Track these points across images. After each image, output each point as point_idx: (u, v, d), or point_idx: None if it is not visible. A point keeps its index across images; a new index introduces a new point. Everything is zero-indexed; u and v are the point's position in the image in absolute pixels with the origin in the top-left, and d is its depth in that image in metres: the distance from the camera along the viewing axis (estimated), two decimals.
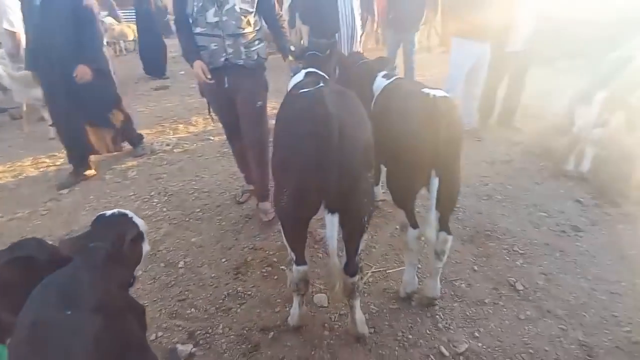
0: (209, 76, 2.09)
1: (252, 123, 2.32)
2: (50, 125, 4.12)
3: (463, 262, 2.13)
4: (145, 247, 1.26)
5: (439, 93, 1.45)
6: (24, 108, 4.34)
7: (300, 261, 1.38)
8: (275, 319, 1.79)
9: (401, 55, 5.19)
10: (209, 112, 2.45)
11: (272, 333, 1.71)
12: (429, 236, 1.57)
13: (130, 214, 1.23)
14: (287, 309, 1.79)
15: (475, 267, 2.09)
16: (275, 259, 2.19)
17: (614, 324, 1.72)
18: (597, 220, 2.47)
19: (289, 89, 1.73)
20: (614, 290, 1.91)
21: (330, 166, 1.11)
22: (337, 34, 4.05)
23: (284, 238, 1.41)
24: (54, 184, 3.17)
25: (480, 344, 1.64)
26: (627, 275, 2.00)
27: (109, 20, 10.35)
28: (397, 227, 2.39)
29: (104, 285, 0.96)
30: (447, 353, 1.60)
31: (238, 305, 1.89)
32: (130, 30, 9.95)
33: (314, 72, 1.74)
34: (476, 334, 1.69)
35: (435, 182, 1.46)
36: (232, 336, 1.71)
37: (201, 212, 2.73)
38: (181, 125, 4.49)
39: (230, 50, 2.08)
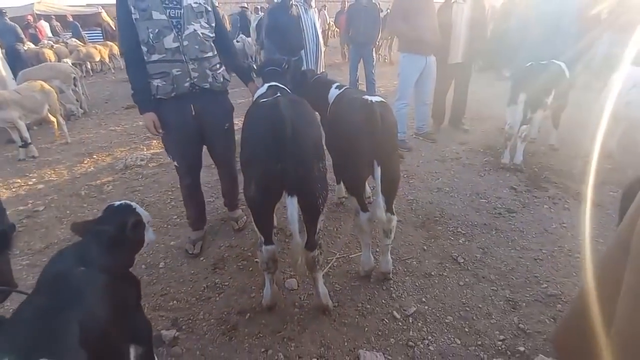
0: (160, 130, 2.10)
1: (222, 146, 2.40)
2: (20, 147, 4.16)
3: (415, 244, 2.44)
4: (150, 235, 1.45)
5: (376, 98, 1.79)
6: None
7: (268, 242, 1.63)
8: (251, 303, 2.01)
9: (362, 68, 5.66)
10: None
11: (248, 314, 1.93)
12: (379, 216, 1.84)
13: (134, 205, 1.42)
14: (262, 294, 2.02)
15: (425, 247, 2.41)
16: (249, 254, 2.41)
17: (534, 283, 2.08)
18: (527, 203, 2.89)
19: (253, 100, 2.01)
20: (536, 257, 2.29)
21: (287, 158, 1.38)
22: (302, 51, 4.44)
23: (253, 223, 1.66)
24: (28, 201, 3.23)
25: (426, 307, 1.94)
26: (548, 245, 2.39)
27: (74, 42, 10.31)
28: None
29: (108, 256, 1.17)
30: (398, 316, 1.88)
31: (217, 295, 2.09)
32: (96, 51, 9.93)
33: (275, 85, 2.03)
34: (423, 300, 1.99)
35: (378, 171, 1.77)
36: (212, 320, 1.91)
37: (178, 218, 2.90)
38: (154, 141, 4.62)
39: (195, 75, 2.06)
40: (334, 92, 2.22)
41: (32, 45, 8.62)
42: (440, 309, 1.93)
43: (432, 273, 2.18)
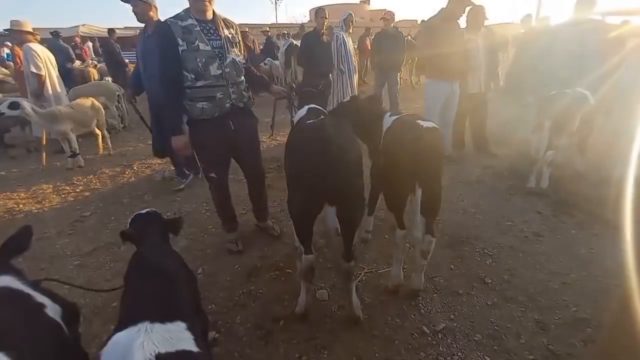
0: (190, 151, 2.38)
1: (254, 157, 2.66)
2: (69, 157, 4.52)
3: (442, 263, 2.51)
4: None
5: (428, 124, 1.93)
6: (43, 142, 4.73)
7: (308, 251, 1.76)
8: (285, 311, 2.11)
9: (387, 91, 5.88)
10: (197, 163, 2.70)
11: (282, 322, 2.04)
12: (415, 236, 1.95)
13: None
14: (294, 303, 2.13)
15: (452, 267, 2.47)
16: (282, 264, 2.54)
17: (563, 307, 2.10)
18: (555, 227, 2.91)
19: (295, 121, 2.20)
20: (564, 281, 2.30)
21: (331, 174, 1.53)
22: (330, 75, 4.72)
23: (294, 234, 1.80)
24: (76, 207, 3.50)
25: (455, 324, 1.99)
26: (577, 270, 2.40)
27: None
28: (386, 236, 2.80)
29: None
30: (427, 331, 1.94)
31: (252, 301, 2.21)
32: None
33: (315, 107, 2.22)
34: (452, 317, 2.04)
35: (419, 192, 1.87)
36: (248, 325, 2.03)
37: (213, 228, 3.08)
38: None
39: (234, 96, 2.33)
40: (388, 120, 2.28)
41: (78, 64, 9.37)
42: (469, 327, 1.97)
43: (460, 292, 2.23)
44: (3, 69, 10.00)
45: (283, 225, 3.06)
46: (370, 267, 2.48)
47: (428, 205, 1.91)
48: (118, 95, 6.09)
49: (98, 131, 4.90)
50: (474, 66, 4.12)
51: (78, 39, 12.38)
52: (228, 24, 2.34)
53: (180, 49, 2.13)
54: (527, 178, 3.61)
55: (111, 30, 9.28)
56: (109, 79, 8.58)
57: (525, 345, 1.85)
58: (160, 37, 2.20)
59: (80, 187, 3.99)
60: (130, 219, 1.59)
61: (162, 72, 2.22)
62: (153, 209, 1.65)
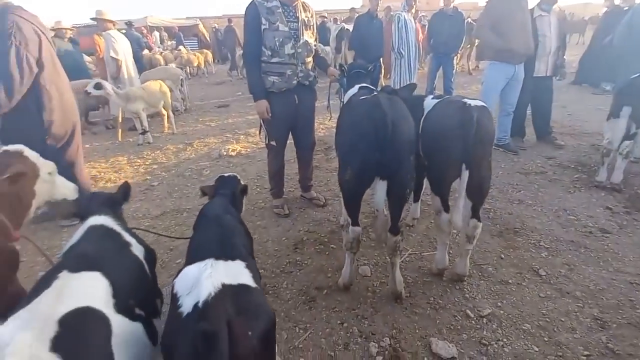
0: (269, 114, 2.59)
1: (309, 130, 2.92)
2: (140, 134, 5.03)
3: (491, 251, 2.42)
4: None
5: (476, 102, 1.85)
6: (119, 119, 5.31)
7: (355, 223, 1.82)
8: (328, 282, 2.21)
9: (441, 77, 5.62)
10: (260, 132, 2.90)
11: (325, 291, 2.14)
12: (455, 220, 1.90)
13: (238, 176, 1.84)
14: (337, 275, 2.22)
15: (502, 256, 2.37)
16: (326, 240, 2.64)
17: (629, 307, 1.93)
18: (626, 225, 2.64)
19: (345, 100, 2.25)
20: (632, 280, 2.10)
21: (385, 148, 1.56)
22: (381, 58, 4.64)
23: (343, 206, 1.87)
24: (146, 177, 3.92)
25: (502, 311, 1.93)
26: None
27: (179, 49, 11.91)
28: (432, 221, 2.76)
29: (234, 208, 1.52)
30: (471, 315, 1.91)
31: (297, 270, 2.34)
32: (195, 58, 11.35)
33: (366, 86, 2.23)
34: (499, 304, 1.99)
35: (465, 175, 1.82)
36: (294, 290, 2.16)
37: (263, 202, 3.27)
38: (242, 136, 5.21)
39: (301, 75, 2.60)
40: (431, 102, 2.19)
41: (147, 52, 10.23)
42: (517, 316, 1.90)
43: (510, 281, 2.15)
44: (86, 57, 11.27)
45: (329, 204, 3.15)
46: (415, 250, 2.48)
47: (475, 188, 1.85)
48: (181, 79, 6.58)
49: (164, 111, 5.37)
50: (543, 47, 3.76)
51: (144, 29, 13.47)
52: (306, 7, 2.61)
53: (263, 27, 2.43)
54: (596, 171, 3.28)
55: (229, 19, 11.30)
56: (173, 65, 9.29)
57: (580, 340, 1.74)
58: (247, 16, 2.48)
59: (149, 161, 4.44)
60: (216, 178, 1.87)
61: (246, 47, 2.57)
62: (234, 174, 1.91)
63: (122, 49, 5.31)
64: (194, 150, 4.76)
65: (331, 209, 3.07)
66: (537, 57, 3.82)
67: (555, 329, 1.81)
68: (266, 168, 4.05)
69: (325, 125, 5.28)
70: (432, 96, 2.28)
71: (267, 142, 2.86)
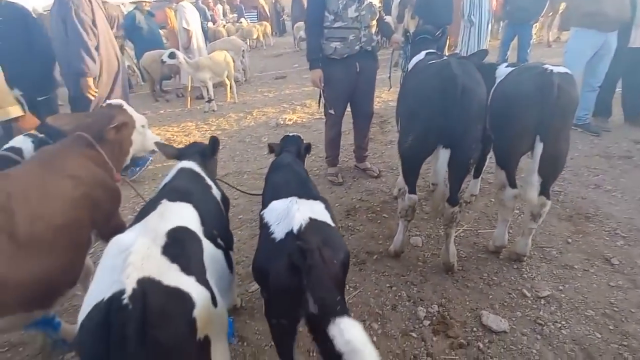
0: (322, 84, 2.61)
1: (368, 99, 2.89)
2: (206, 102, 5.39)
3: (557, 235, 2.27)
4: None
5: (558, 69, 1.67)
6: (189, 88, 5.73)
7: (412, 191, 1.83)
8: (379, 248, 2.28)
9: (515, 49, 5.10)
10: (319, 102, 2.96)
11: (375, 256, 2.21)
12: (530, 196, 1.77)
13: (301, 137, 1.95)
14: (388, 243, 2.26)
15: (569, 240, 2.22)
16: (378, 209, 2.68)
17: None
18: None
19: (410, 67, 2.18)
20: None
21: (452, 114, 1.51)
22: (448, 26, 4.33)
23: (401, 173, 1.88)
24: None
25: (563, 295, 1.84)
26: None
27: (241, 22, 12.23)
28: (492, 199, 2.65)
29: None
30: (528, 294, 1.85)
31: (349, 235, 2.43)
32: (255, 30, 11.58)
33: (433, 52, 2.14)
34: (560, 288, 1.89)
35: (539, 147, 1.68)
36: None
37: (318, 170, 3.38)
38: (298, 106, 5.32)
39: (364, 39, 2.55)
40: (504, 70, 2.02)
41: (211, 25, 10.67)
42: (580, 301, 1.80)
43: (575, 266, 2.02)
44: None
45: (383, 175, 3.16)
46: (470, 226, 2.42)
47: (548, 163, 1.72)
48: (243, 50, 6.81)
49: (227, 81, 5.66)
50: None
51: (210, 2, 13.94)
52: None
53: None
54: None
55: None
56: (234, 37, 9.59)
57: None
58: None
59: (214, 127, 4.78)
60: (282, 138, 2.03)
61: (308, 12, 2.60)
62: (298, 134, 2.04)
63: (193, 20, 5.62)
64: (254, 118, 5.00)
65: (384, 180, 3.08)
66: (634, 24, 3.27)
67: (623, 319, 1.70)
68: (321, 137, 4.13)
69: (381, 98, 5.16)
70: (505, 64, 2.12)
71: (325, 110, 2.89)
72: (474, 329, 1.70)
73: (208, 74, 5.09)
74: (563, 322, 1.70)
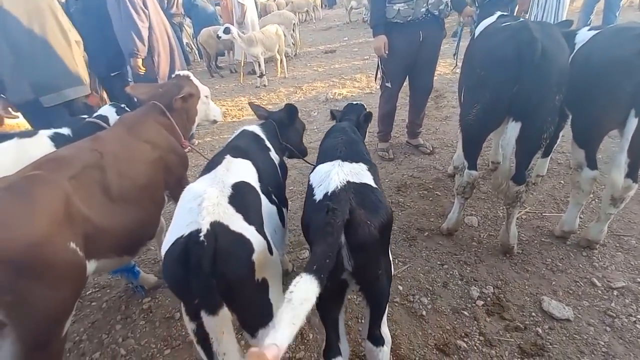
0: (387, 51, 2.46)
1: (430, 70, 2.70)
2: (258, 77, 5.50)
3: (638, 223, 2.03)
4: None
5: None
6: (242, 64, 5.87)
7: (472, 167, 1.73)
8: (430, 225, 2.22)
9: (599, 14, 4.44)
10: (376, 75, 2.82)
11: (427, 233, 2.16)
12: (615, 179, 1.57)
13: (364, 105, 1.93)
14: (440, 221, 2.19)
15: None
16: (431, 186, 2.59)
17: None
18: None
19: (480, 30, 2.00)
20: None
21: (527, 80, 1.37)
22: None
23: (461, 148, 1.78)
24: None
25: None
26: None
27: None
28: (561, 181, 2.43)
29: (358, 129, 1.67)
30: (598, 284, 1.70)
31: (399, 211, 2.39)
32: (305, 3, 11.36)
33: (507, 14, 1.93)
34: (638, 280, 1.70)
35: (632, 123, 1.45)
36: (394, 228, 2.23)
37: (368, 146, 3.26)
38: (348, 81, 5.21)
39: (431, 1, 2.35)
40: (586, 35, 1.75)
41: None
42: None
43: None
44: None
45: (436, 152, 3.03)
46: (534, 209, 2.24)
47: None
48: (294, 23, 6.75)
49: (278, 56, 5.69)
50: None
51: None
52: None
53: None
54: None
55: None
56: (285, 9, 9.51)
57: None
58: None
59: (265, 101, 4.88)
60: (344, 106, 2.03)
61: None
62: (361, 103, 2.03)
63: None
64: (303, 93, 5.01)
65: (438, 157, 2.95)
66: None
67: None
68: (372, 112, 4.04)
69: (438, 71, 4.84)
70: (587, 28, 1.85)
71: (382, 83, 2.79)
72: (533, 313, 1.61)
73: (260, 48, 5.15)
74: (639, 316, 1.54)
